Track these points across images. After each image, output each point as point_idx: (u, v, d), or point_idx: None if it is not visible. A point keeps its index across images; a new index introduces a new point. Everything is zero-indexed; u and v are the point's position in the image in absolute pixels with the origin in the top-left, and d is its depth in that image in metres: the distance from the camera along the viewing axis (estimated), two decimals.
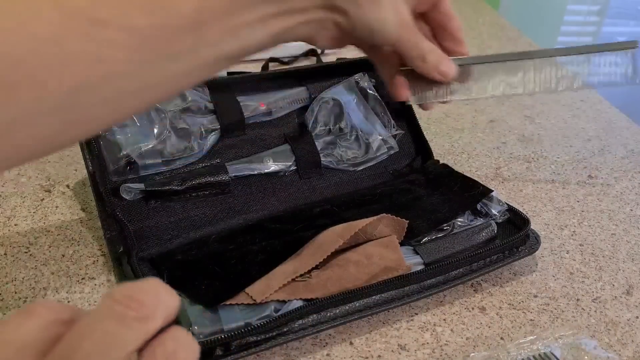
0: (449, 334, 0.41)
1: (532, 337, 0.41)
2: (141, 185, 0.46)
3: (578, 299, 0.45)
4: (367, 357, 0.39)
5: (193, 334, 0.36)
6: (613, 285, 0.47)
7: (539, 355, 0.40)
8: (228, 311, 0.38)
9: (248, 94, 0.52)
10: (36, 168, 0.56)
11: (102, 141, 0.45)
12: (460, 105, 0.74)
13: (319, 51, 0.82)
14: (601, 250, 0.51)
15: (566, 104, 0.76)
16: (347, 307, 0.40)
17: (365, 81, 0.56)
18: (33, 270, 0.44)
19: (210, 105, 0.50)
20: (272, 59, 0.78)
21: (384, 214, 0.44)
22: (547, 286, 0.46)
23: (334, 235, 0.42)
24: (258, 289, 0.39)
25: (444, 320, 0.43)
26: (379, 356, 0.39)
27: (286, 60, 0.80)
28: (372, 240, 0.44)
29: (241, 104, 0.51)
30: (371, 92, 0.56)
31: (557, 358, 0.40)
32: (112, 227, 0.45)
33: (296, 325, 0.38)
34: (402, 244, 0.45)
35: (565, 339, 0.41)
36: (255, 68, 0.77)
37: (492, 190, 0.50)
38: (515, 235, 0.46)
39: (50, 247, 0.47)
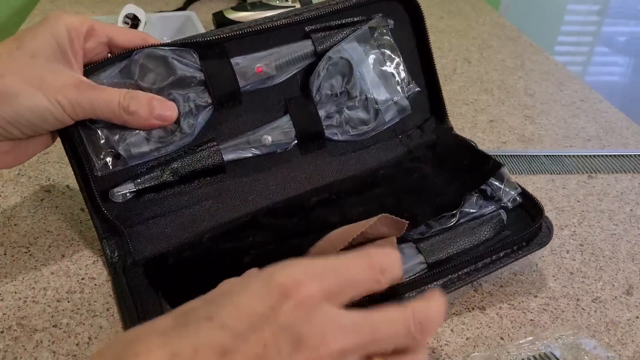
0: (449, 334, 0.41)
1: (531, 337, 0.41)
2: (131, 186, 0.43)
3: (578, 299, 0.45)
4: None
5: None
6: (613, 285, 0.47)
7: (539, 355, 0.40)
8: None
9: (245, 54, 0.45)
10: (36, 168, 0.56)
11: (83, 135, 0.41)
12: (460, 105, 0.73)
13: None
14: (601, 250, 0.51)
15: (566, 104, 0.76)
16: None
17: (382, 26, 0.49)
18: (33, 270, 0.44)
19: (200, 75, 0.44)
20: None
21: (384, 214, 0.43)
22: (547, 286, 0.46)
23: (329, 245, 0.39)
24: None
25: (444, 320, 0.42)
26: None
27: None
28: (370, 241, 0.42)
29: (236, 69, 0.45)
30: (387, 38, 0.49)
31: (557, 358, 0.40)
32: (105, 232, 0.44)
33: None
34: (403, 238, 0.42)
35: (565, 339, 0.41)
36: None
37: (503, 165, 0.46)
38: (526, 231, 0.42)
39: (50, 247, 0.47)
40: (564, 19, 1.77)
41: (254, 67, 0.45)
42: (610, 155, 0.65)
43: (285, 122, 0.47)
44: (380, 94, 0.49)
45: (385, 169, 0.50)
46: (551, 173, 0.61)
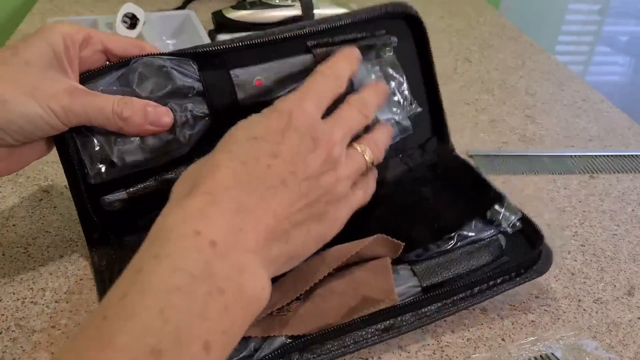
0: (449, 335, 0.41)
1: (533, 338, 0.41)
2: (123, 194, 0.42)
3: (579, 300, 0.45)
4: (367, 359, 0.39)
5: None
6: (615, 286, 0.47)
7: (540, 356, 0.40)
8: None
9: (244, 67, 0.45)
10: (35, 168, 0.56)
11: (78, 142, 0.41)
12: (460, 104, 0.73)
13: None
14: (603, 251, 0.50)
15: (567, 104, 0.76)
16: (335, 343, 0.38)
17: (384, 42, 0.48)
18: (31, 270, 0.44)
19: (199, 85, 0.43)
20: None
21: (380, 234, 0.40)
22: (548, 287, 0.46)
23: (322, 265, 0.39)
24: None
25: (445, 321, 0.42)
26: (380, 358, 0.39)
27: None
28: (364, 260, 0.41)
29: (235, 81, 0.44)
30: (390, 55, 0.48)
31: (558, 359, 0.40)
32: (94, 239, 0.43)
33: None
34: (399, 260, 0.42)
35: (567, 340, 0.41)
36: None
37: (505, 196, 0.45)
38: (524, 257, 0.42)
39: (48, 247, 0.47)
40: (564, 18, 1.77)
41: (254, 79, 0.45)
42: (612, 156, 0.65)
43: None
44: (382, 114, 0.47)
45: (385, 187, 0.48)
46: (552, 173, 0.61)
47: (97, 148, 0.41)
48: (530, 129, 0.69)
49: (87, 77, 0.40)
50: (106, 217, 0.43)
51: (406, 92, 0.49)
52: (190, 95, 0.43)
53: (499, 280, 0.41)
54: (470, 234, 0.43)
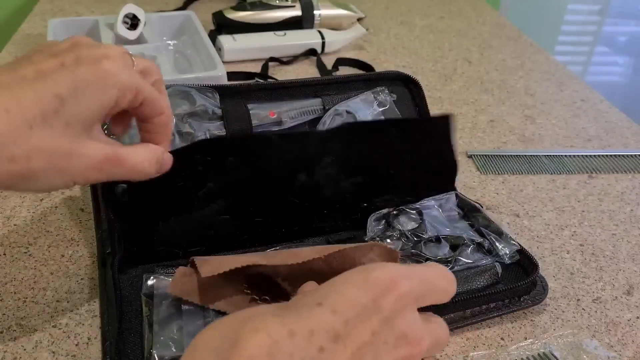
0: (449, 334, 0.41)
1: (532, 338, 0.41)
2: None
3: (578, 299, 0.45)
4: None
5: (152, 358, 0.35)
6: (614, 285, 0.47)
7: (539, 355, 0.40)
8: (192, 334, 0.36)
9: (260, 102, 0.51)
10: None
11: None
12: (460, 104, 0.73)
13: (318, 51, 0.82)
14: (602, 251, 0.51)
15: (567, 104, 0.76)
16: None
17: (385, 95, 0.54)
18: (32, 270, 0.44)
19: (219, 111, 0.49)
20: (272, 59, 0.78)
21: (377, 242, 0.41)
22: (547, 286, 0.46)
23: (311, 251, 0.38)
24: (207, 265, 0.37)
25: (445, 320, 0.42)
26: None
27: (285, 60, 0.80)
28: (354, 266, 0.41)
29: (251, 112, 0.50)
30: (390, 107, 0.54)
31: (557, 358, 0.40)
32: (103, 226, 0.43)
33: None
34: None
35: (566, 339, 0.41)
36: (255, 67, 0.77)
37: (503, 231, 0.46)
38: (519, 283, 0.42)
39: (49, 247, 0.47)
40: (564, 18, 1.77)
41: (268, 112, 0.51)
42: (611, 155, 0.65)
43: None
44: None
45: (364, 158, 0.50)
46: (552, 173, 0.61)
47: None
48: (529, 129, 0.69)
49: None
50: (118, 205, 0.43)
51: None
52: (210, 118, 0.48)
53: (492, 305, 0.42)
54: (467, 260, 0.44)
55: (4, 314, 0.40)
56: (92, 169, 0.34)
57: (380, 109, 0.54)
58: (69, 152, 0.32)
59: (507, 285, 0.42)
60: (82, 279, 0.44)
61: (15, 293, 0.42)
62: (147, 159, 0.36)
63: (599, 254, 0.50)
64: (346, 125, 0.49)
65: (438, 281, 0.29)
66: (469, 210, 0.49)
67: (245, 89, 0.51)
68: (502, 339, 0.41)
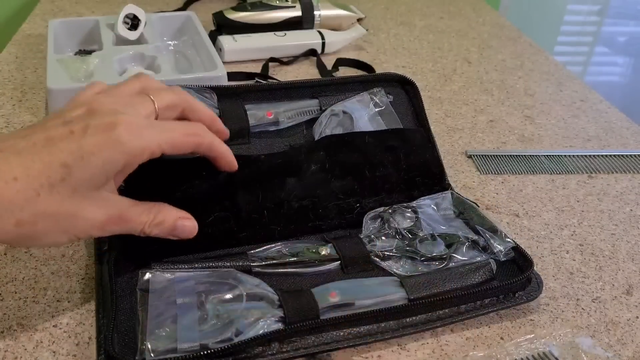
0: (449, 333, 0.41)
1: (530, 336, 0.41)
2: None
3: (578, 299, 0.45)
4: (367, 357, 0.39)
5: (145, 350, 0.35)
6: (613, 285, 0.47)
7: (538, 354, 0.40)
8: (186, 327, 0.37)
9: (257, 103, 0.52)
10: None
11: None
12: (460, 105, 0.74)
13: (318, 51, 0.82)
14: (601, 250, 0.51)
15: (566, 104, 0.76)
16: (314, 339, 0.38)
17: (381, 96, 0.54)
18: (33, 270, 0.44)
19: (216, 112, 0.49)
20: (272, 59, 0.78)
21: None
22: (547, 286, 0.46)
23: None
24: None
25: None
26: (379, 356, 0.39)
27: (286, 60, 0.80)
28: None
29: (248, 112, 0.51)
30: (387, 108, 0.54)
31: (556, 358, 0.40)
32: None
33: (257, 351, 0.37)
34: (389, 274, 0.43)
35: (565, 339, 0.41)
36: (255, 67, 0.77)
37: (498, 228, 0.46)
38: (513, 279, 0.42)
39: (50, 247, 0.47)
40: (563, 19, 1.77)
41: (265, 112, 0.52)
42: (610, 155, 0.65)
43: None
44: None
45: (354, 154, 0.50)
46: (551, 173, 0.61)
47: None
48: (529, 129, 0.69)
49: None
50: None
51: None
52: None
53: (487, 301, 0.42)
54: (462, 258, 0.45)
55: (4, 314, 0.41)
56: (96, 228, 0.35)
57: (377, 110, 0.54)
58: (73, 214, 0.34)
59: (502, 282, 0.42)
60: (82, 278, 0.44)
61: (15, 293, 0.42)
62: (148, 219, 0.38)
63: (598, 253, 0.50)
64: (326, 139, 0.50)
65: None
66: (464, 209, 0.50)
67: (242, 89, 0.52)
68: (501, 338, 0.41)
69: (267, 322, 0.38)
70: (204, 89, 0.50)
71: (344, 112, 0.53)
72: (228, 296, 0.39)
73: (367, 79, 0.56)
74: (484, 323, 0.42)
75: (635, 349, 0.41)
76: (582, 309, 0.45)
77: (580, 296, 0.46)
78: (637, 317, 0.44)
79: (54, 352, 0.38)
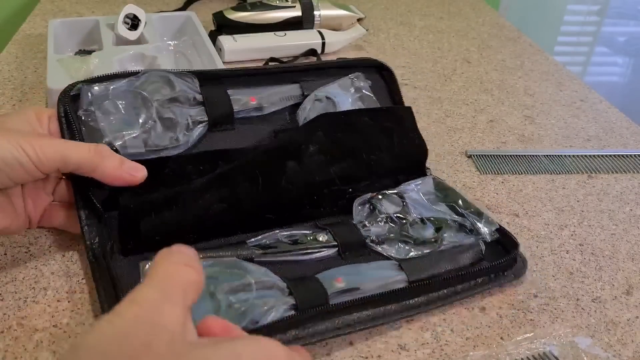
0: (448, 333, 0.41)
1: (530, 336, 0.41)
2: None
3: (578, 299, 0.45)
4: (367, 357, 0.39)
5: None
6: (613, 285, 0.47)
7: (538, 354, 0.40)
8: (197, 305, 0.37)
9: (239, 88, 0.51)
10: None
11: (84, 127, 0.44)
12: (460, 105, 0.74)
13: (318, 51, 0.82)
14: (601, 250, 0.51)
15: (566, 104, 0.76)
16: (328, 324, 0.39)
17: (361, 81, 0.55)
18: (33, 270, 0.44)
19: (199, 97, 0.49)
20: (272, 59, 0.78)
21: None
22: (547, 286, 0.46)
23: None
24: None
25: (444, 320, 0.43)
26: (379, 356, 0.39)
27: (285, 60, 0.80)
28: None
29: (231, 97, 0.50)
30: (367, 92, 0.55)
31: (556, 358, 0.40)
32: (88, 218, 0.43)
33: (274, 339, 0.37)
34: (387, 257, 0.45)
35: (565, 339, 0.41)
36: None
37: (483, 213, 0.48)
38: (502, 259, 0.45)
39: (50, 247, 0.47)
40: (563, 19, 1.77)
41: (248, 97, 0.51)
42: (610, 155, 0.65)
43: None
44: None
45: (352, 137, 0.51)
46: (551, 173, 0.61)
47: (102, 136, 0.44)
48: (528, 129, 0.69)
49: (98, 79, 0.45)
50: (101, 195, 0.44)
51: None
52: (191, 104, 0.48)
53: (479, 280, 0.44)
54: (452, 240, 0.47)
55: (4, 314, 0.41)
56: (36, 137, 0.39)
57: (357, 95, 0.55)
58: (7, 129, 0.39)
59: (491, 262, 0.45)
60: (82, 278, 0.44)
61: (16, 293, 0.42)
62: (92, 145, 0.41)
63: (598, 253, 0.50)
64: (321, 117, 0.51)
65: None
66: (447, 193, 0.51)
67: (224, 74, 0.51)
68: (501, 338, 0.41)
69: (280, 310, 0.38)
70: (185, 73, 0.49)
71: (327, 98, 0.53)
72: (238, 285, 0.39)
73: (346, 64, 0.56)
74: (484, 323, 0.42)
75: (635, 349, 0.41)
76: (582, 309, 0.45)
77: (580, 296, 0.46)
78: (637, 317, 0.44)
79: (54, 352, 0.38)
